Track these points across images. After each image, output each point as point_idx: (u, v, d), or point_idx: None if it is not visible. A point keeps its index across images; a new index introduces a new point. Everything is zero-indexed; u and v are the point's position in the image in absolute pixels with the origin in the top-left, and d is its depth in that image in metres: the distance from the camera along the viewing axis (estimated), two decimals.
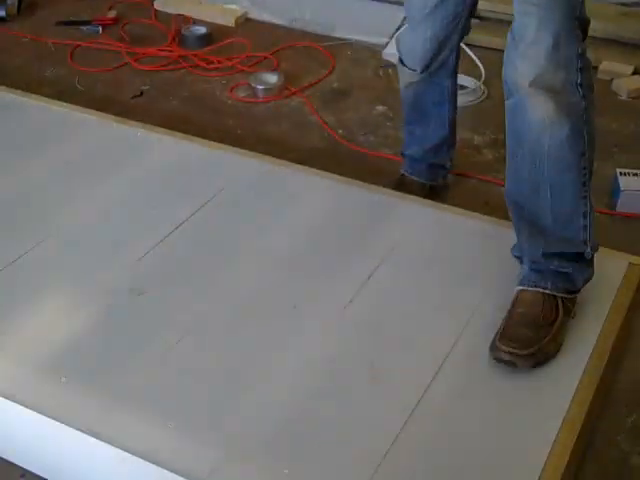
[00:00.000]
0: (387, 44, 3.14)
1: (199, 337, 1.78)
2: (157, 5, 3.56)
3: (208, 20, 3.41)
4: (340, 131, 2.72)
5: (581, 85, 1.63)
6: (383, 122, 2.77)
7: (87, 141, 2.45)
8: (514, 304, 1.77)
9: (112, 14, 3.48)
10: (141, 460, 1.52)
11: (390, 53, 3.01)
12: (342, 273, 1.94)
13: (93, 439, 1.55)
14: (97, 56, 3.18)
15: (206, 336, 1.79)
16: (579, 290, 1.80)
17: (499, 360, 1.70)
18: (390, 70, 2.99)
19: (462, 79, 2.77)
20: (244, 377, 1.70)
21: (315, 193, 2.22)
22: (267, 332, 1.80)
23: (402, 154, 2.35)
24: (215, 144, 2.44)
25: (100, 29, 3.36)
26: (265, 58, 3.15)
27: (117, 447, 1.54)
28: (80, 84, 2.98)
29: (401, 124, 2.38)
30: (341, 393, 1.67)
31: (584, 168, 1.68)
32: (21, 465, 1.68)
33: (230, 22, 3.42)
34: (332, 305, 1.86)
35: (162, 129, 2.51)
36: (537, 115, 1.64)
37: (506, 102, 1.71)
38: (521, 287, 1.79)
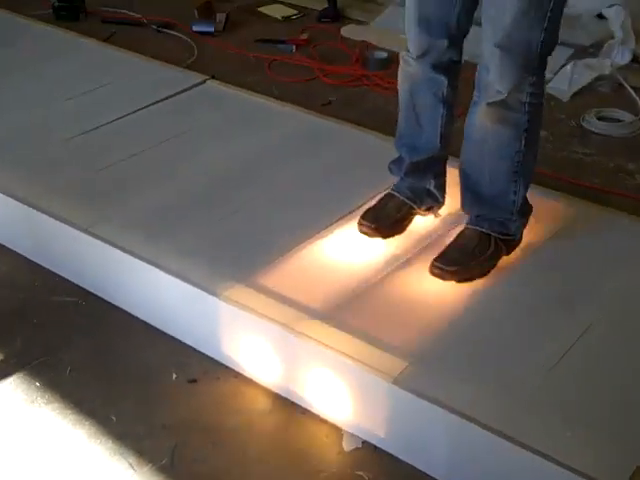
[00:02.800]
0: (551, 79, 3.44)
1: None
2: (343, 32, 4.00)
3: (388, 47, 3.81)
4: None
5: (529, 104, 2.06)
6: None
7: (286, 127, 2.90)
8: (456, 237, 2.24)
9: (304, 36, 3.94)
10: None
11: (554, 87, 3.32)
12: None
13: None
14: (290, 70, 3.63)
15: None
16: (513, 235, 2.22)
17: (432, 274, 2.15)
18: (552, 102, 3.29)
19: (619, 113, 3.10)
20: None
21: None
22: None
23: (389, 167, 2.38)
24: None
25: (294, 48, 3.82)
26: None
27: None
28: (276, 90, 3.42)
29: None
30: None
31: (517, 162, 2.13)
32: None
33: None
34: None
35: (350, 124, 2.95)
36: (488, 121, 2.10)
37: (470, 107, 2.15)
38: (465, 225, 2.24)
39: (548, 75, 3.41)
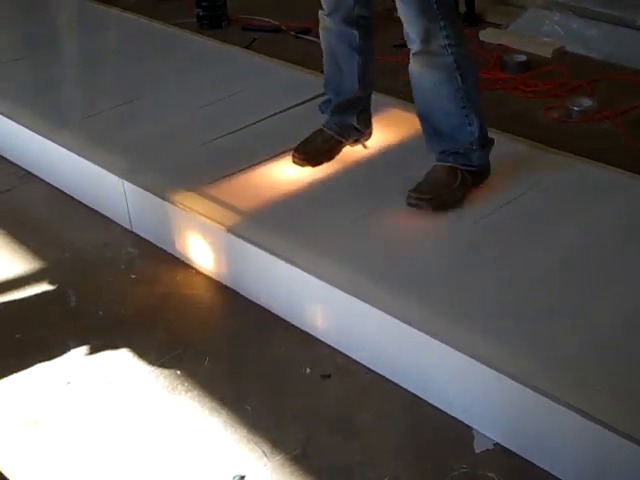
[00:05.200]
0: None
1: None
2: (482, 36, 3.97)
3: (527, 50, 3.76)
4: None
5: (449, 45, 2.28)
6: None
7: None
8: (427, 173, 2.46)
9: None
10: None
11: None
12: None
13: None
14: None
15: None
16: (477, 166, 2.44)
17: (409, 204, 2.39)
18: None
19: None
20: None
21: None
22: None
23: (319, 107, 2.72)
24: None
25: None
26: (580, 86, 3.44)
27: None
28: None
29: None
30: None
31: (461, 98, 2.36)
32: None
33: (548, 53, 3.74)
34: None
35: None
36: (418, 68, 2.36)
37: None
38: (435, 163, 2.47)
39: None
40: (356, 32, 2.52)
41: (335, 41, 2.57)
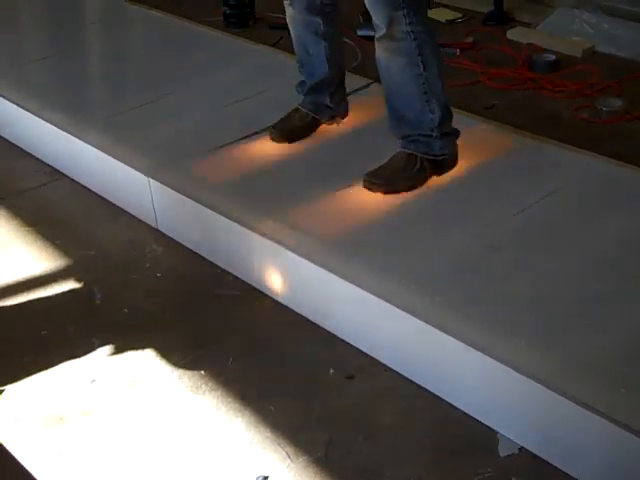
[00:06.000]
0: None
1: None
2: (510, 35, 3.94)
3: (557, 50, 3.72)
4: None
5: (413, 32, 2.39)
6: None
7: None
8: (390, 158, 2.55)
9: (469, 40, 3.91)
10: None
11: None
12: None
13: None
14: (454, 73, 3.60)
15: None
16: (437, 155, 2.52)
17: (364, 186, 2.52)
18: None
19: None
20: None
21: None
22: None
23: (295, 87, 2.86)
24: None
25: (458, 51, 3.80)
26: (609, 86, 3.40)
27: None
28: None
29: None
30: None
31: (423, 84, 2.45)
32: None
33: (577, 53, 3.71)
34: None
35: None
36: (382, 53, 2.47)
37: None
38: (398, 149, 2.56)
39: None
40: (320, 19, 2.68)
41: (301, 29, 2.73)
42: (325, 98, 2.83)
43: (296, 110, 2.86)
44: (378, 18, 2.42)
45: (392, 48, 2.44)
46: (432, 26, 2.51)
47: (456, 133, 2.58)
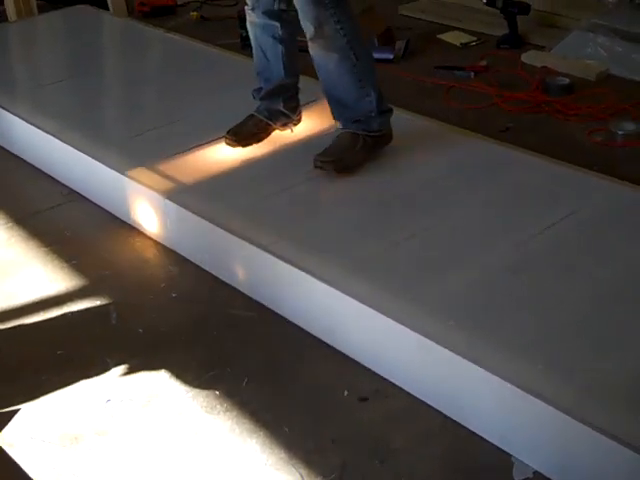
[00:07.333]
0: None
1: None
2: (524, 58, 3.96)
3: (571, 73, 3.74)
4: None
5: (342, 28, 2.60)
6: None
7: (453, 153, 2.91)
8: (333, 139, 2.78)
9: (483, 63, 3.93)
10: None
11: None
12: None
13: None
14: (468, 96, 3.64)
15: None
16: (377, 131, 2.77)
17: (315, 167, 2.73)
18: None
19: None
20: None
21: None
22: None
23: (252, 93, 2.99)
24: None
25: (472, 74, 3.82)
26: (624, 109, 3.40)
27: None
28: (452, 117, 3.42)
29: None
30: None
31: (356, 73, 2.68)
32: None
33: (591, 76, 3.72)
34: None
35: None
36: (316, 51, 2.67)
37: None
38: (341, 130, 2.79)
39: None
40: (278, 24, 2.83)
41: (260, 33, 2.88)
42: (279, 104, 2.95)
43: (251, 116, 2.98)
44: (308, 19, 2.61)
45: (326, 46, 2.65)
46: (355, 19, 2.69)
47: (391, 110, 2.81)
